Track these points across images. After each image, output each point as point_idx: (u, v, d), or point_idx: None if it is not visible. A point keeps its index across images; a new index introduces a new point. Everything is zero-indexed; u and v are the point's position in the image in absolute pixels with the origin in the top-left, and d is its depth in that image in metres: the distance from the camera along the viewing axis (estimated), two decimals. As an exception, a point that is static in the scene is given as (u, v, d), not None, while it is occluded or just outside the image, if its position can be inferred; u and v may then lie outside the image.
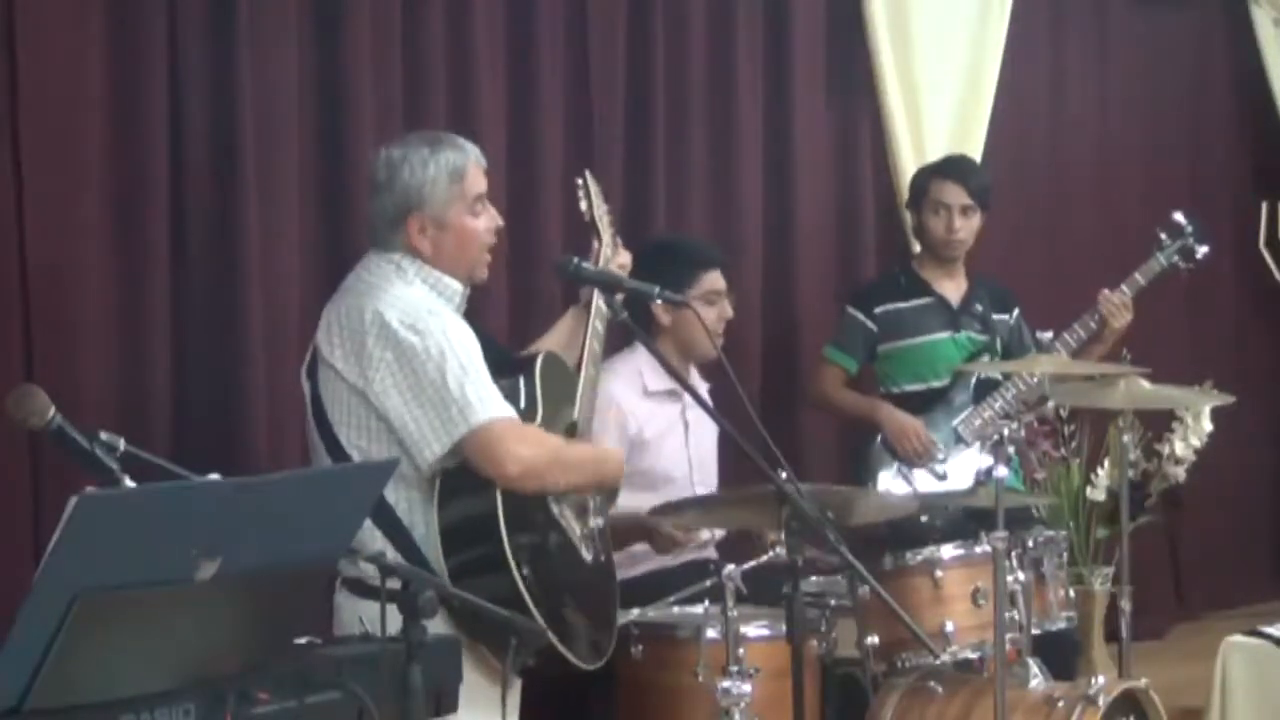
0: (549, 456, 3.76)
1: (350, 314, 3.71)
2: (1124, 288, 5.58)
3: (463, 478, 3.66)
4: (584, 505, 3.95)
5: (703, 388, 4.98)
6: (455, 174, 3.79)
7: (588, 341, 4.08)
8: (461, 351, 3.66)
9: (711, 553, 4.95)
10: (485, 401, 3.64)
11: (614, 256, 4.26)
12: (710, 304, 4.88)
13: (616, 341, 4.64)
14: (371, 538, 3.60)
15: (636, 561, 4.71)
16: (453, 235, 3.79)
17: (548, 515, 3.80)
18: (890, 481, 5.48)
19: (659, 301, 4.37)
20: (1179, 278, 5.88)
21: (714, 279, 4.96)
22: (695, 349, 4.89)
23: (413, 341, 3.63)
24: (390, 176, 3.78)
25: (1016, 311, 5.72)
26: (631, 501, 4.36)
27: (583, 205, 4.28)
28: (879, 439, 5.52)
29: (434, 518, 3.65)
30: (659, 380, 4.86)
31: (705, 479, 4.99)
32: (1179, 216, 5.76)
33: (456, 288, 3.81)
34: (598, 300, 4.12)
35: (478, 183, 3.84)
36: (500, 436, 3.64)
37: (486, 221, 3.85)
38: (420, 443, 3.63)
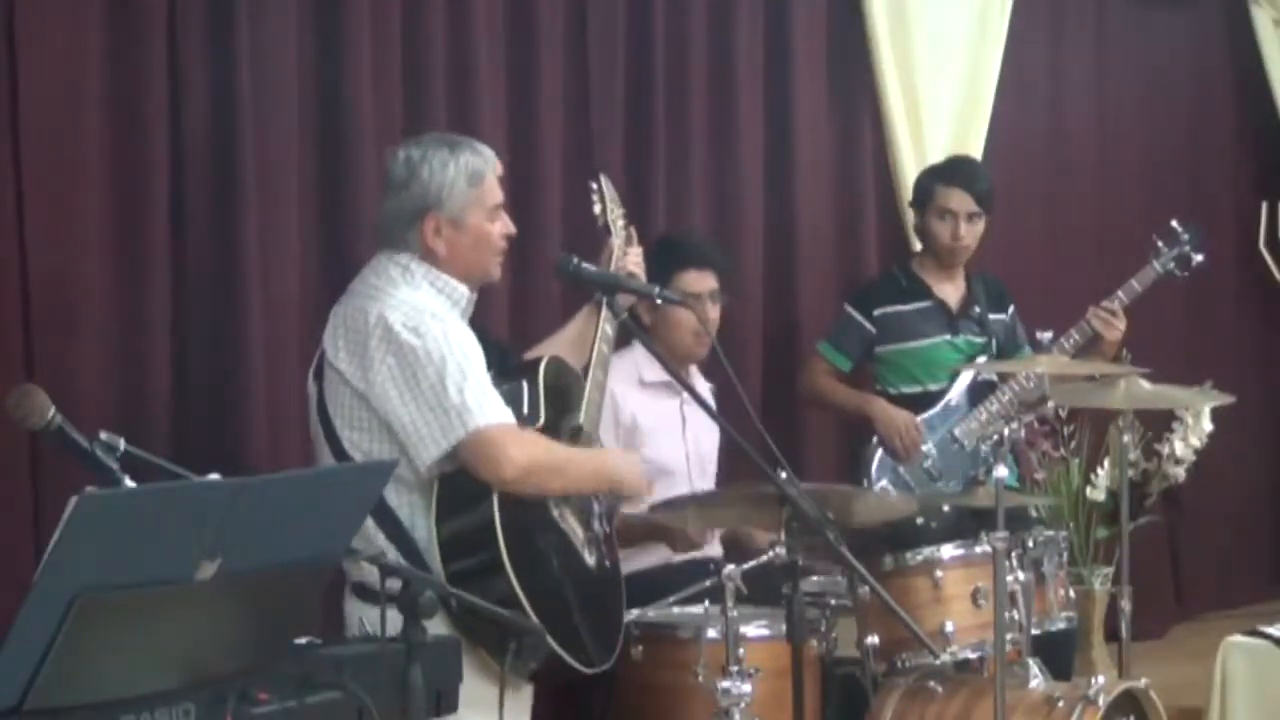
0: (544, 460, 3.75)
1: (355, 317, 3.72)
2: (1120, 294, 5.57)
3: (460, 484, 3.66)
4: (588, 509, 3.94)
5: (704, 387, 4.97)
6: (474, 178, 3.80)
7: (596, 345, 4.07)
8: (461, 356, 3.66)
9: (715, 550, 4.94)
10: (483, 406, 3.64)
11: (624, 257, 4.26)
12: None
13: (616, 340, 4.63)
14: (376, 540, 3.61)
15: (635, 557, 4.69)
16: (469, 237, 3.80)
17: (548, 519, 3.80)
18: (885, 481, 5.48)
19: (658, 300, 4.38)
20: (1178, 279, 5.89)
21: (692, 280, 4.91)
22: (675, 349, 4.84)
23: (414, 344, 3.64)
24: (409, 175, 3.78)
25: (1011, 308, 5.72)
26: None
27: (596, 209, 4.29)
28: (875, 439, 5.52)
29: (432, 523, 3.65)
30: (655, 372, 4.85)
31: (704, 475, 4.98)
32: (1176, 224, 5.77)
33: (463, 292, 3.82)
34: (605, 304, 4.12)
35: (495, 192, 3.85)
36: (496, 441, 3.64)
37: (501, 227, 3.87)
38: (418, 445, 3.63)
